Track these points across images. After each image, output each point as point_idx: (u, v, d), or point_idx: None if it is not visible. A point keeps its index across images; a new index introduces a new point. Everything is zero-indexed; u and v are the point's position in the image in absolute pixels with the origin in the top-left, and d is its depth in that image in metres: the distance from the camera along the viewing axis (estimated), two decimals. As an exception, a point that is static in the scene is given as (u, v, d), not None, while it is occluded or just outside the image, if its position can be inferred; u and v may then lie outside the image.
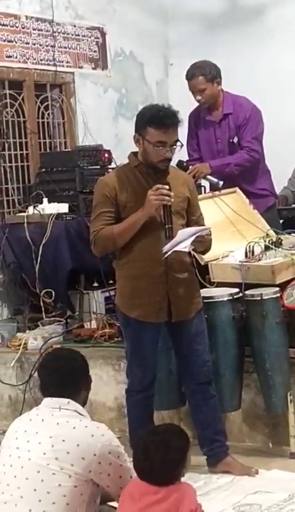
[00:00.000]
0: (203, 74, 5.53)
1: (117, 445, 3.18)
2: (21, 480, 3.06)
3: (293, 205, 6.45)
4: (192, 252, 4.30)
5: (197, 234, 3.99)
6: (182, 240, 3.95)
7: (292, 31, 7.48)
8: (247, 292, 4.58)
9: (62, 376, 3.24)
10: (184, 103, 5.54)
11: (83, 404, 3.30)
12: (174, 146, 4.04)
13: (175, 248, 3.96)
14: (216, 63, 5.61)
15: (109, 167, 6.19)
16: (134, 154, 4.18)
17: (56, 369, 3.28)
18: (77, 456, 3.06)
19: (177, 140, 4.05)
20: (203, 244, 4.13)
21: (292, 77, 7.49)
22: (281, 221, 6.01)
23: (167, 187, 4.00)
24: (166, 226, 4.02)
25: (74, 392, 3.23)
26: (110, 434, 3.18)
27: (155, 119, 4.01)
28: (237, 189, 5.45)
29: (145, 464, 3.09)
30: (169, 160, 4.07)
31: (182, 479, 3.19)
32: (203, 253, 4.36)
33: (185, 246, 3.96)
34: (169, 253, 3.97)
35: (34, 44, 6.75)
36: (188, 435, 3.34)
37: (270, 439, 4.72)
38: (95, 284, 6.03)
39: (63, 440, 3.07)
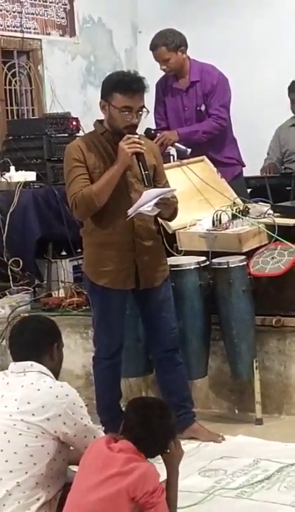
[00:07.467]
0: (165, 44, 5.48)
1: (80, 405, 3.21)
2: None
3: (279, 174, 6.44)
4: (160, 220, 4.29)
5: (161, 196, 3.96)
6: (147, 201, 3.92)
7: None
8: (214, 260, 4.60)
9: (25, 341, 3.28)
10: (153, 71, 5.53)
11: (55, 374, 3.31)
12: (140, 112, 4.01)
13: (139, 210, 3.94)
14: (185, 31, 5.57)
15: (77, 135, 6.14)
16: (100, 121, 4.14)
17: (19, 335, 3.32)
18: (43, 417, 3.09)
19: (143, 106, 4.01)
20: (168, 207, 4.08)
21: (264, 44, 7.49)
22: (248, 190, 6.03)
23: (137, 136, 3.99)
24: (143, 172, 3.99)
25: (38, 356, 3.25)
26: (73, 393, 3.21)
27: (121, 84, 3.97)
28: (205, 157, 5.44)
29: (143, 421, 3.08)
30: (135, 126, 4.02)
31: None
32: (169, 219, 4.33)
33: (148, 206, 3.92)
34: (133, 214, 3.95)
35: (1, 10, 6.67)
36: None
37: (236, 405, 4.77)
38: (63, 253, 6.03)
39: (28, 403, 3.11)
